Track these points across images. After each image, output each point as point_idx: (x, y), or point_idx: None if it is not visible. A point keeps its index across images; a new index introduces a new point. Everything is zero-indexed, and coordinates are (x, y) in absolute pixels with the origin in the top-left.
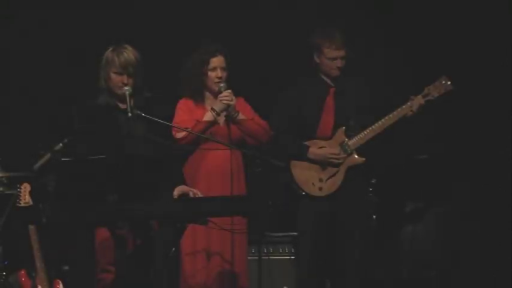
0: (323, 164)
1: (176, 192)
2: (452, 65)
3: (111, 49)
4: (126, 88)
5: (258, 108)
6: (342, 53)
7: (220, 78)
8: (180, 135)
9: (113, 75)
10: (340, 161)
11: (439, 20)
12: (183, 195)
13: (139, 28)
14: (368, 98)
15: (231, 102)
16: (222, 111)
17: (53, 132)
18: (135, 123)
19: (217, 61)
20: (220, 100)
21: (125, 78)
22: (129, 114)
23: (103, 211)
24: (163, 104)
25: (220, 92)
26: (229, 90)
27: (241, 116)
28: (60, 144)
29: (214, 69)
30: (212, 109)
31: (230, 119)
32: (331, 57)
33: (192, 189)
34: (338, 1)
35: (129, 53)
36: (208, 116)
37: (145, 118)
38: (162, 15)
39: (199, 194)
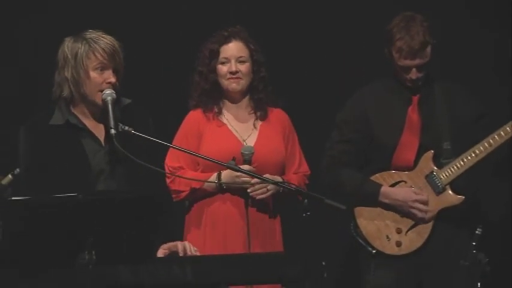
0: (402, 211)
1: (161, 251)
2: None
3: (73, 39)
4: (107, 92)
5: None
6: (418, 61)
7: (234, 73)
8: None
9: (92, 74)
10: (429, 215)
11: None
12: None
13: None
14: (470, 109)
15: (262, 196)
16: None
17: None
18: (118, 145)
19: (229, 50)
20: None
21: (110, 75)
22: (113, 131)
23: (70, 277)
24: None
25: (245, 160)
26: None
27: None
28: (10, 177)
29: (226, 61)
30: (219, 181)
31: None
32: (403, 66)
33: (183, 242)
34: None
35: (109, 39)
36: (211, 185)
37: (129, 137)
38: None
39: (194, 251)
